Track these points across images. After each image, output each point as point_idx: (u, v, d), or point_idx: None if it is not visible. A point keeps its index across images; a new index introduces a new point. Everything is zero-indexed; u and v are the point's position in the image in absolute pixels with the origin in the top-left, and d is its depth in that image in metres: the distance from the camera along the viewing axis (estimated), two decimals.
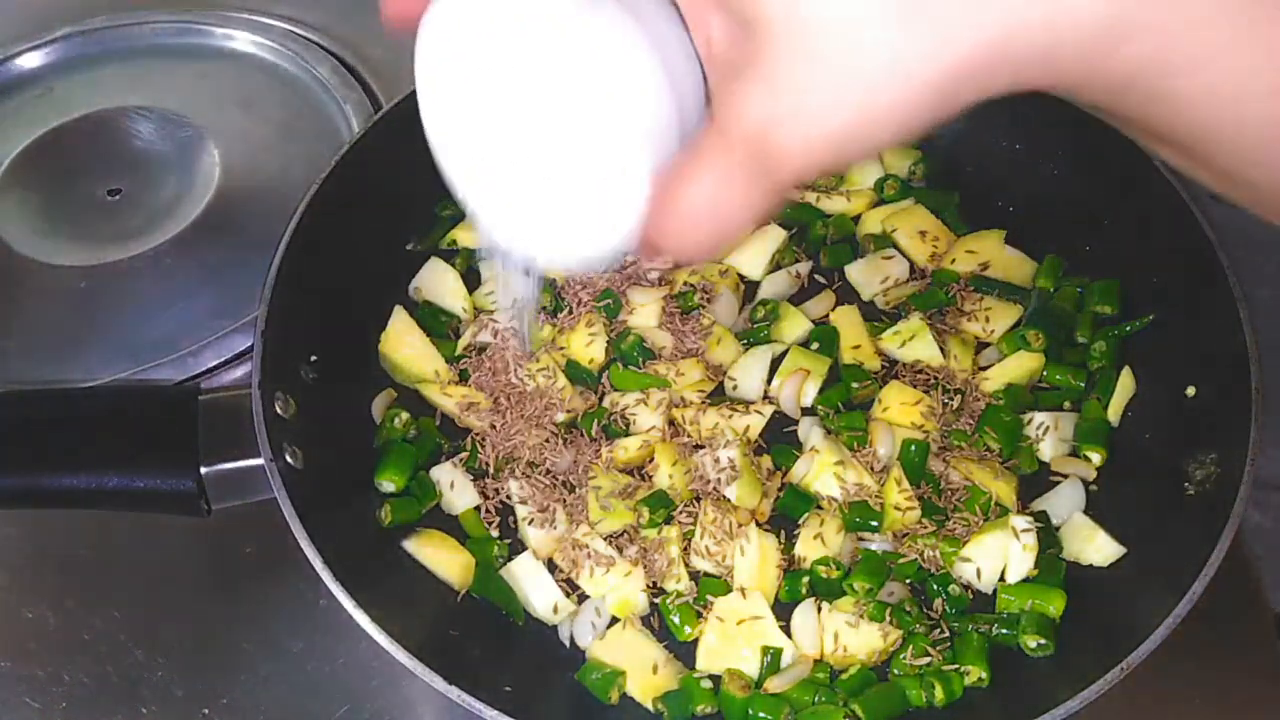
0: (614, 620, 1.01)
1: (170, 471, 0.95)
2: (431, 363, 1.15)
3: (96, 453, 0.95)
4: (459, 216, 1.27)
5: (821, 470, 1.05)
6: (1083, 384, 1.13)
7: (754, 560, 1.00)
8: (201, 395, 1.00)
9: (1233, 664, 1.04)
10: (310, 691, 1.02)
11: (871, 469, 1.07)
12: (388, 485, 1.06)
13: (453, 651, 0.95)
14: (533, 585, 1.01)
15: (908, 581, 1.02)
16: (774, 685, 0.95)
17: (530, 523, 1.04)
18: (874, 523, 1.03)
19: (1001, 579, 1.01)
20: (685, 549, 1.03)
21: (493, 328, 1.16)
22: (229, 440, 0.96)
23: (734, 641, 0.97)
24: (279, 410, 0.99)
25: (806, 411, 1.13)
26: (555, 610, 1.01)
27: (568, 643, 1.00)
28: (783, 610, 1.00)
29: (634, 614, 1.00)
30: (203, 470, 0.95)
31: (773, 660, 0.96)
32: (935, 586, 1.01)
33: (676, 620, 0.99)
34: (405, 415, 1.11)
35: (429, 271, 1.21)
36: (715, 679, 0.97)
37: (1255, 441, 0.95)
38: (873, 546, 1.03)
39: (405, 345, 1.15)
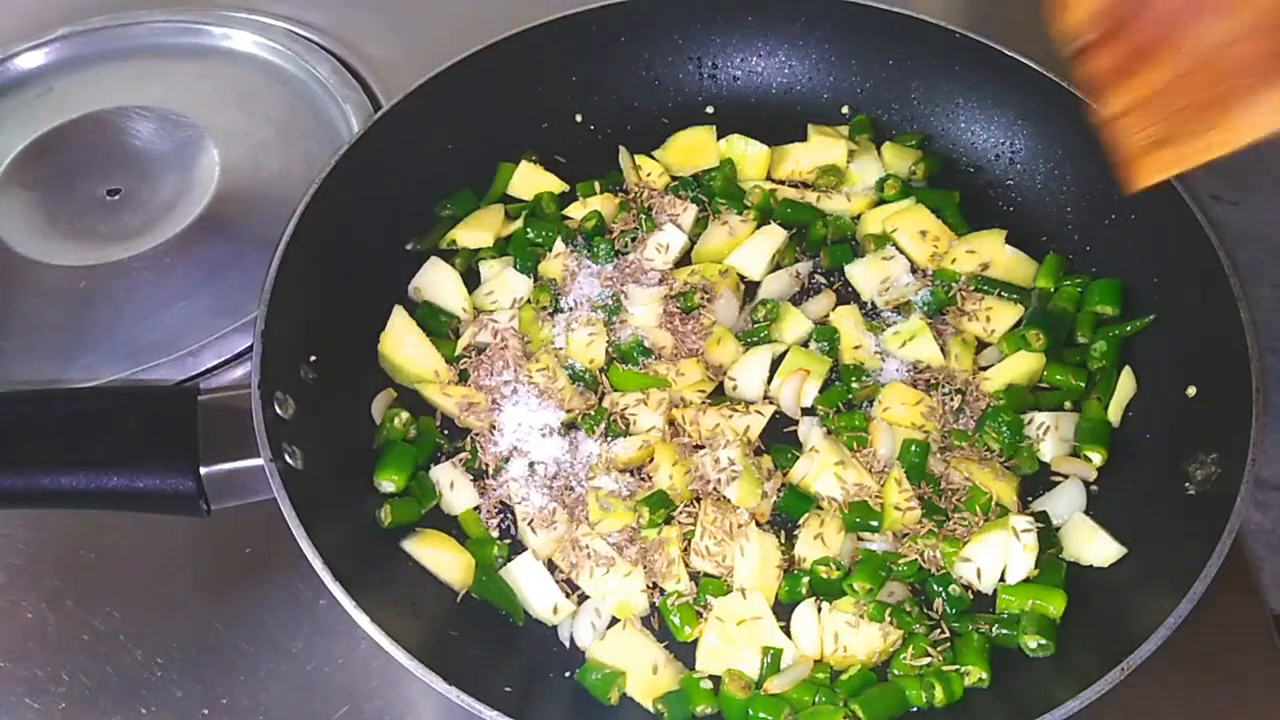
0: (614, 620, 1.01)
1: (170, 471, 0.95)
2: (431, 363, 1.15)
3: (96, 453, 0.95)
4: (459, 216, 1.27)
5: (821, 470, 1.05)
6: (1083, 384, 1.13)
7: (754, 561, 1.00)
8: (201, 395, 1.00)
9: (1233, 664, 1.04)
10: (310, 691, 1.02)
11: (871, 469, 1.07)
12: (387, 485, 1.06)
13: (453, 651, 0.95)
14: (532, 586, 1.01)
15: (908, 582, 1.02)
16: (774, 686, 0.95)
17: (530, 523, 1.04)
18: (874, 523, 1.03)
19: (1002, 579, 1.01)
20: (685, 549, 1.03)
21: (493, 328, 1.17)
22: (229, 440, 0.96)
23: (734, 642, 0.97)
24: (279, 410, 0.99)
25: (806, 411, 1.13)
26: (555, 611, 1.01)
27: (568, 643, 1.00)
28: (783, 610, 1.00)
29: (634, 614, 1.01)
30: (202, 470, 0.95)
31: (773, 661, 0.96)
32: (935, 586, 1.01)
33: (676, 620, 0.99)
34: (405, 415, 1.11)
35: (429, 271, 1.21)
36: (715, 680, 0.97)
37: (1255, 441, 0.95)
38: (873, 546, 1.03)
39: (405, 345, 1.15)
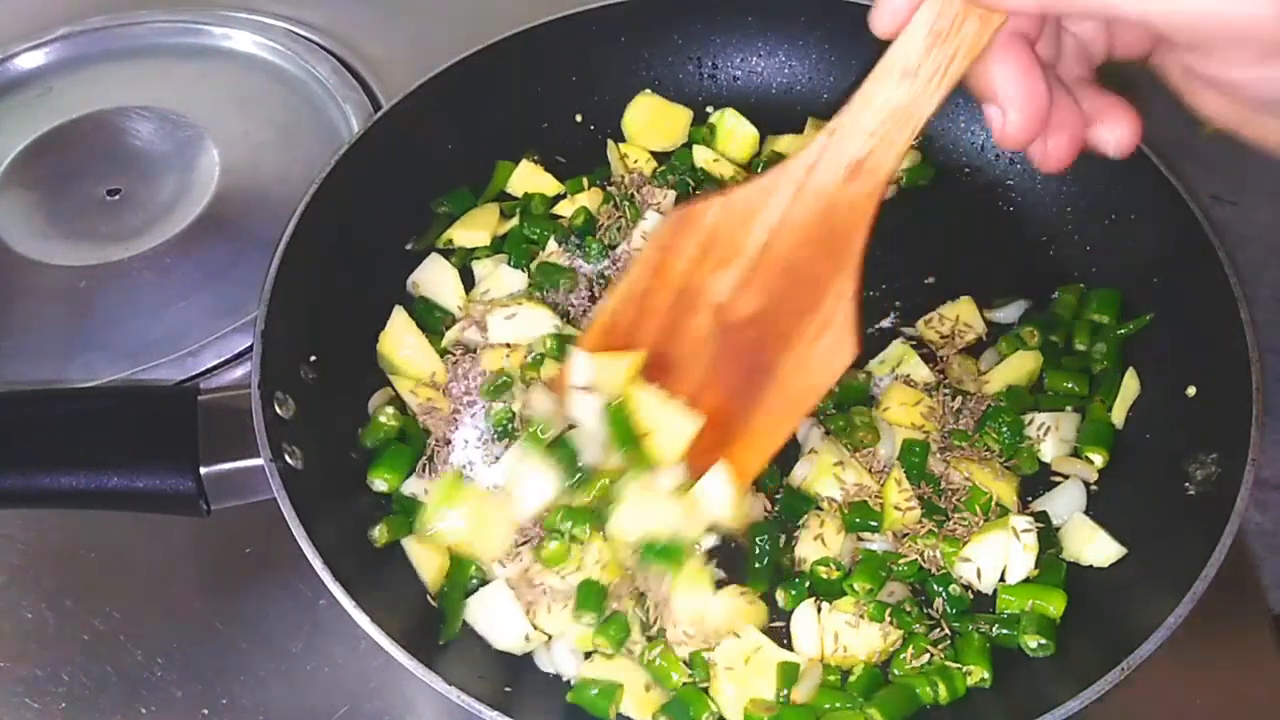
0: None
1: (170, 471, 0.95)
2: (430, 363, 1.14)
3: (96, 453, 0.95)
4: (455, 214, 1.27)
5: (821, 471, 1.05)
6: (1087, 389, 1.13)
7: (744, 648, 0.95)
8: (201, 395, 1.00)
9: (1233, 664, 1.04)
10: (310, 691, 1.02)
11: (871, 469, 1.06)
12: (380, 484, 1.05)
13: (452, 652, 0.95)
14: (498, 619, 0.96)
15: (908, 582, 1.02)
16: (798, 696, 0.93)
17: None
18: (874, 523, 1.03)
19: (1002, 579, 1.01)
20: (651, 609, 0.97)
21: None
22: (229, 440, 0.96)
23: (749, 681, 0.94)
24: (278, 410, 0.99)
25: None
26: (527, 640, 0.97)
27: (550, 674, 0.96)
28: (783, 612, 1.00)
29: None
30: (202, 470, 0.95)
31: (788, 675, 0.94)
32: (935, 586, 1.00)
33: (663, 665, 0.94)
34: (397, 413, 1.09)
35: (429, 267, 1.21)
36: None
37: (1255, 441, 0.95)
38: (873, 547, 1.03)
39: (405, 345, 1.15)
